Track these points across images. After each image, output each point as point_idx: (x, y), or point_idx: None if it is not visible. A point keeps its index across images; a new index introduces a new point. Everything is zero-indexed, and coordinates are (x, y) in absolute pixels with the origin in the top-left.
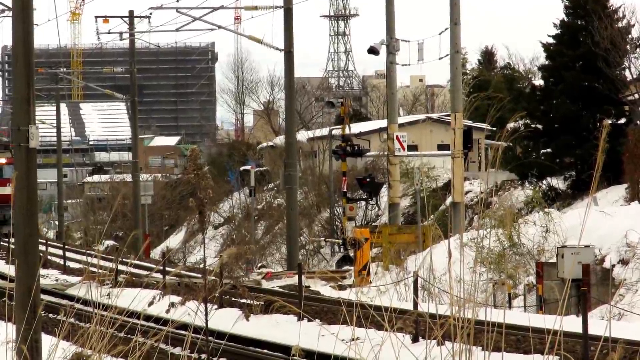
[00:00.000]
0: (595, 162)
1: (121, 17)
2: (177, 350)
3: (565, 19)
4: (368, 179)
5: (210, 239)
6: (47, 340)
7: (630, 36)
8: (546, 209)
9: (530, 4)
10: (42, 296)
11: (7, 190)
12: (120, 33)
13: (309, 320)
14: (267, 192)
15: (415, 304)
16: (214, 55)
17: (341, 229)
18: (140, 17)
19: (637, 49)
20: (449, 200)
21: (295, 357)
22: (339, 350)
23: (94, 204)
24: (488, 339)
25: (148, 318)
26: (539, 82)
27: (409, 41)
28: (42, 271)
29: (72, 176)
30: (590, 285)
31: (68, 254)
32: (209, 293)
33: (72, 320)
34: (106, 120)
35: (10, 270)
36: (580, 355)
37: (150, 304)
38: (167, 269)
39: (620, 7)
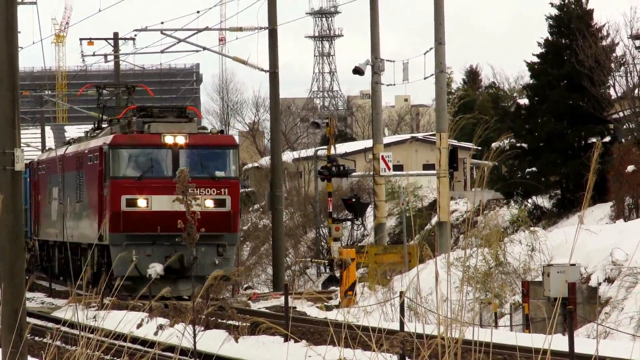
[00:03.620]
0: (581, 180)
1: (106, 39)
2: None
3: (550, 37)
4: (354, 199)
5: None
6: None
7: (614, 54)
8: (532, 228)
9: (515, 23)
10: (28, 319)
11: None
12: (105, 55)
13: (296, 341)
14: (253, 213)
15: (402, 324)
16: (199, 77)
17: (327, 250)
18: (125, 39)
19: (622, 67)
20: (434, 219)
21: None
22: None
23: None
24: (475, 359)
25: (135, 340)
26: (523, 100)
27: (393, 61)
28: (28, 294)
29: None
30: (576, 303)
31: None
32: (197, 315)
33: (58, 343)
34: None
35: None
36: None
37: (139, 326)
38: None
39: (604, 25)
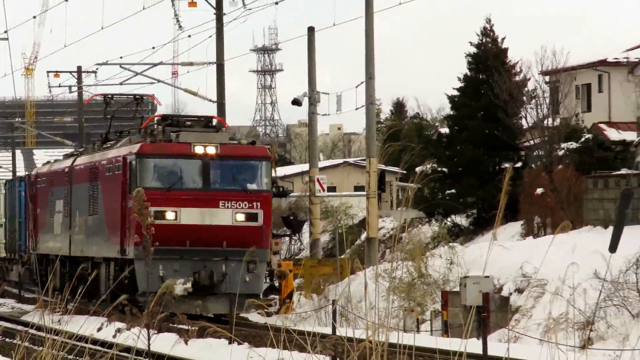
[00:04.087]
0: (495, 202)
1: (70, 72)
2: None
3: (469, 73)
4: (292, 217)
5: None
6: None
7: (526, 89)
8: (450, 244)
9: (438, 60)
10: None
11: None
12: (70, 86)
13: (239, 344)
14: None
15: (334, 329)
16: (154, 106)
17: (267, 262)
18: (88, 72)
19: (532, 100)
20: (364, 235)
21: None
22: None
23: None
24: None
25: (95, 342)
26: (445, 130)
27: (328, 93)
28: None
29: None
30: (490, 311)
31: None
32: (151, 319)
33: (26, 344)
34: None
35: None
36: None
37: (99, 329)
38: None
39: (517, 62)
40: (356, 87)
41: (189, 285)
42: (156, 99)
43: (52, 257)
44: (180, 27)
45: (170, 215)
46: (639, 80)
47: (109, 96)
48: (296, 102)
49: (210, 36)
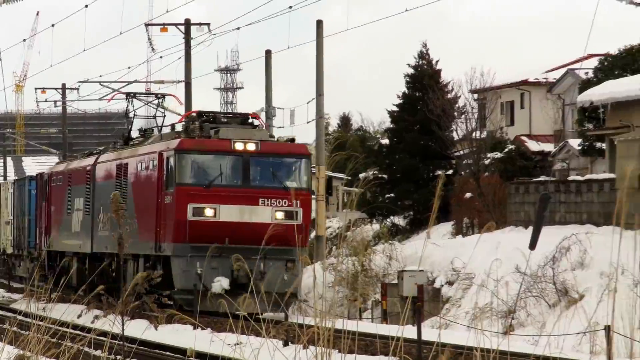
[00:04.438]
0: (429, 205)
1: (55, 88)
2: (98, 353)
3: (407, 91)
4: None
5: None
6: None
7: (457, 105)
8: (390, 241)
9: (380, 79)
10: None
11: None
12: (55, 101)
13: (202, 329)
14: None
15: (287, 316)
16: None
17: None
18: (71, 88)
19: (462, 115)
20: (313, 234)
21: (190, 357)
22: (226, 352)
23: None
24: (344, 344)
25: (76, 327)
26: (385, 141)
27: (283, 109)
28: None
29: None
30: (424, 301)
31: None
32: (125, 308)
33: (15, 328)
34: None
35: None
36: (415, 357)
37: (79, 316)
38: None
39: (449, 82)
40: (307, 103)
41: (226, 283)
42: (177, 98)
43: (69, 254)
44: (153, 49)
45: (209, 212)
46: (556, 98)
47: (132, 95)
48: (255, 116)
49: (180, 57)
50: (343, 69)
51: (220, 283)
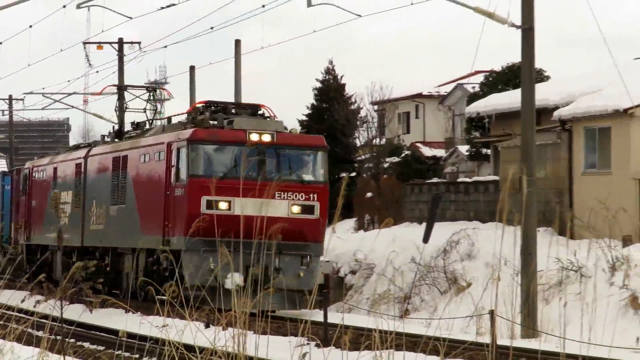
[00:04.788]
0: (334, 203)
1: (3, 99)
2: (40, 333)
3: (315, 103)
4: None
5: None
6: None
7: (359, 115)
8: None
9: (291, 91)
10: None
11: None
12: (2, 110)
13: (133, 313)
14: None
15: (209, 302)
16: (69, 127)
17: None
18: (17, 99)
19: (364, 124)
20: None
21: (122, 338)
22: (154, 333)
23: None
24: (258, 326)
25: (20, 310)
26: None
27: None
28: None
29: None
30: (330, 288)
31: None
32: (64, 293)
33: None
34: None
35: None
36: (322, 337)
37: (22, 301)
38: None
39: (353, 94)
40: None
41: (240, 279)
42: (167, 91)
43: (54, 247)
44: (90, 64)
45: (223, 205)
46: (447, 109)
47: (123, 88)
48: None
49: (114, 72)
50: (260, 82)
51: (234, 279)
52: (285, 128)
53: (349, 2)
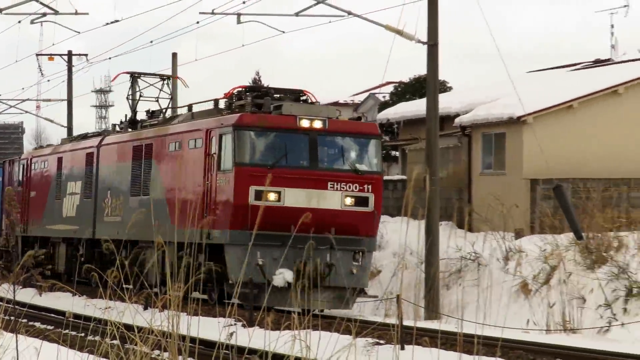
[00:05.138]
0: None
1: None
2: None
3: None
4: None
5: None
6: None
7: None
8: None
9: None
10: None
11: None
12: None
13: (80, 296)
14: None
15: (147, 286)
16: (23, 129)
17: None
18: None
19: None
20: None
21: (69, 318)
22: (97, 314)
23: None
24: (190, 308)
25: None
26: None
27: None
28: None
29: None
30: None
31: None
32: (17, 278)
33: None
34: None
35: None
36: (248, 318)
37: None
38: None
39: None
40: None
41: (290, 276)
42: (182, 80)
43: (57, 239)
44: (42, 74)
45: (272, 195)
46: (361, 115)
47: (136, 75)
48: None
49: (63, 81)
50: (195, 92)
51: (283, 276)
52: (339, 113)
53: (275, 19)
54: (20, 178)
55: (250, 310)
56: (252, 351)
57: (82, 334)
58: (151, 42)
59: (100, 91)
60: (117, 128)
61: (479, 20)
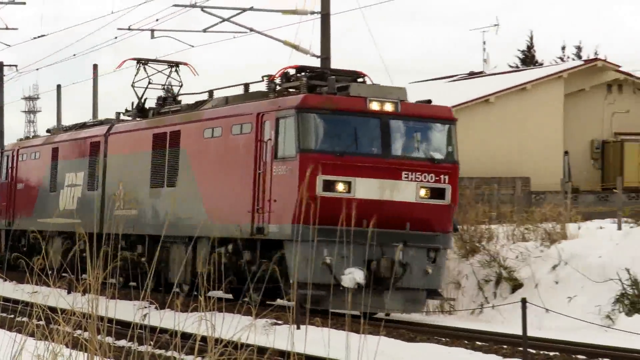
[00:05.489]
0: None
1: None
2: None
3: None
4: None
5: None
6: None
7: None
8: None
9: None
10: None
11: None
12: None
13: (10, 282)
14: None
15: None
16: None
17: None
18: None
19: None
20: None
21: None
22: (25, 298)
23: None
24: (108, 291)
25: None
26: None
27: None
28: None
29: None
30: None
31: None
32: None
33: None
34: None
35: None
36: (160, 301)
37: None
38: None
39: None
40: None
41: (360, 276)
42: (192, 67)
43: (52, 234)
44: None
45: (341, 186)
46: None
47: (143, 61)
48: (49, 131)
49: None
50: (115, 99)
51: (353, 275)
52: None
53: (185, 35)
54: (5, 170)
55: (162, 294)
56: (163, 330)
57: (12, 315)
58: (74, 55)
59: (29, 98)
60: (122, 117)
61: (366, 37)
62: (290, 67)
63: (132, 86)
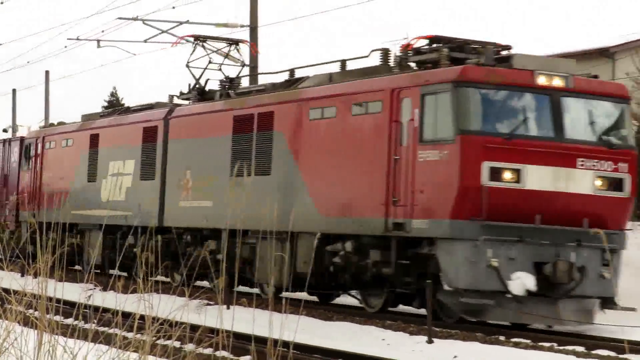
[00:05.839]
0: None
1: None
2: None
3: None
4: None
5: None
6: None
7: None
8: None
9: (86, 110)
10: None
11: None
12: None
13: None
14: None
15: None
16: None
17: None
18: None
19: None
20: None
21: None
22: None
23: None
24: (57, 274)
25: None
26: None
27: (28, 126)
28: None
29: None
30: None
31: None
32: None
33: None
34: None
35: None
36: (104, 284)
37: None
38: None
39: None
40: (39, 125)
41: (530, 282)
42: (252, 46)
43: (88, 227)
44: None
45: (508, 175)
46: None
47: (202, 38)
48: (5, 130)
49: None
50: (65, 105)
51: (522, 281)
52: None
53: (128, 44)
54: (27, 159)
55: (107, 280)
56: (105, 310)
57: None
58: (28, 62)
59: None
60: (176, 100)
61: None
62: (425, 37)
63: (187, 66)
